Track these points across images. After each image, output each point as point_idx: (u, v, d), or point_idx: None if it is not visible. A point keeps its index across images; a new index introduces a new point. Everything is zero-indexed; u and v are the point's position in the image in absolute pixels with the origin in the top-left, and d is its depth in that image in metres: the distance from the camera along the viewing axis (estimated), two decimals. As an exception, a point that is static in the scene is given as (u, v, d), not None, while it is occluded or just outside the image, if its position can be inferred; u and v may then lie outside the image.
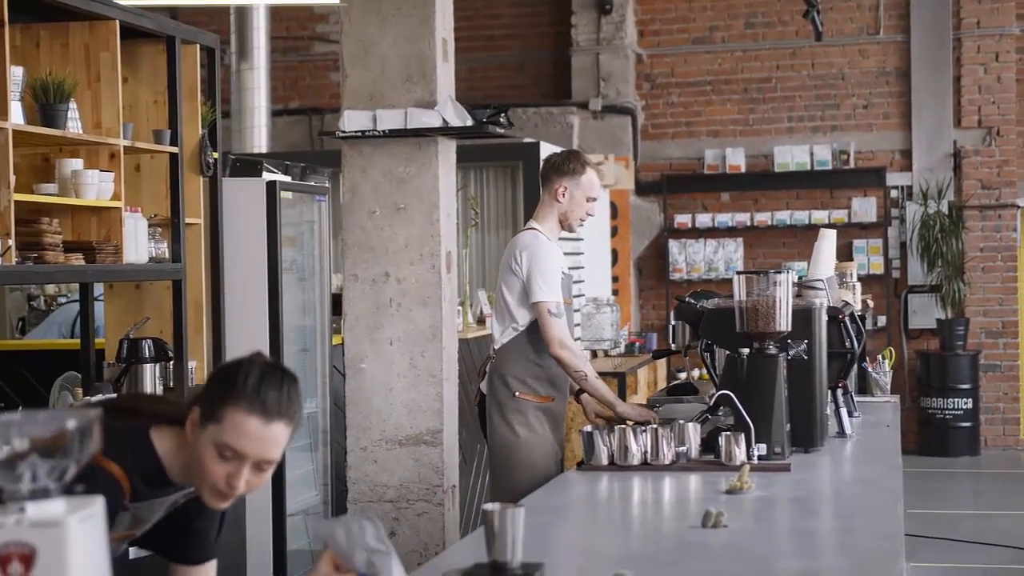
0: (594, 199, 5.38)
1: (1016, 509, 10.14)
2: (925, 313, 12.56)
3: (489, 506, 2.73)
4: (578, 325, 9.82)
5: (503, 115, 6.12)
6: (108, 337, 5.82)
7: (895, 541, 3.10)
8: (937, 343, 12.47)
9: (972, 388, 12.27)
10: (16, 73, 4.75)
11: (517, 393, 5.22)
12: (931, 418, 12.29)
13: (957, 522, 9.48)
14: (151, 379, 5.51)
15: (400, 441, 5.69)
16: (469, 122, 5.81)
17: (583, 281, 10.56)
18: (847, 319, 5.07)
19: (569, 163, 5.35)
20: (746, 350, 4.39)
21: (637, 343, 11.31)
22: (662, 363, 11.44)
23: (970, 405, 12.24)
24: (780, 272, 4.42)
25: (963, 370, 12.25)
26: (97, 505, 1.82)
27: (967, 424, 12.25)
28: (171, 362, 5.66)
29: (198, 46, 5.95)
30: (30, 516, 1.76)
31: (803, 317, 4.53)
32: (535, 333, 5.19)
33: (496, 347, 5.34)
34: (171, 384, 5.70)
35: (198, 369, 5.92)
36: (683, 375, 12.27)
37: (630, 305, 12.67)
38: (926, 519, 9.31)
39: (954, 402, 12.21)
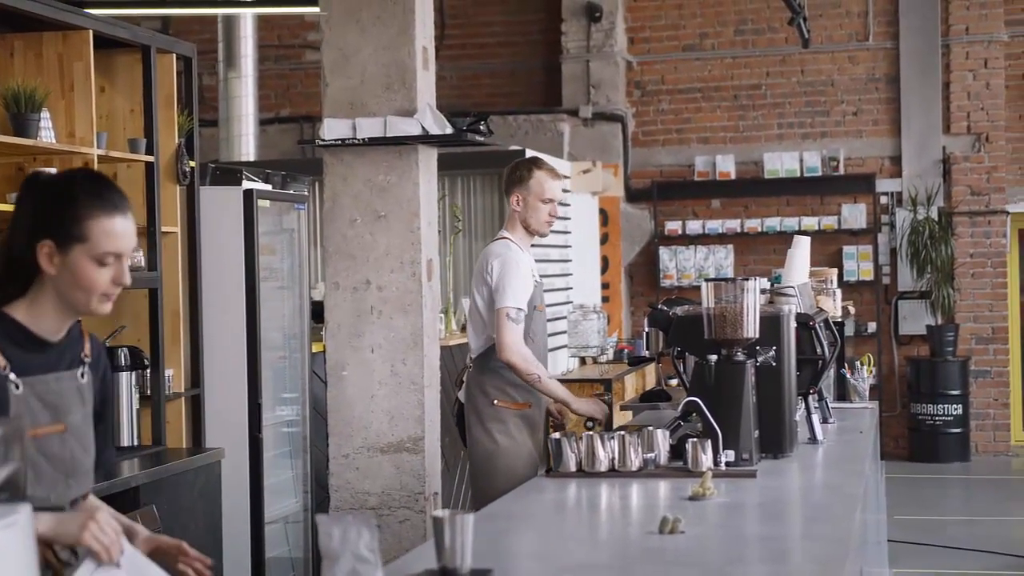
0: (550, 200, 5.46)
1: (1006, 515, 10.14)
2: (915, 319, 12.57)
3: (438, 513, 2.75)
4: (563, 333, 9.84)
5: (483, 123, 6.14)
6: (85, 346, 5.82)
7: (847, 546, 3.11)
8: (927, 349, 12.48)
9: (962, 394, 12.27)
10: (-12, 82, 4.77)
11: (496, 401, 5.31)
12: (921, 424, 12.29)
13: (947, 528, 9.48)
14: (127, 387, 5.52)
15: (382, 448, 5.70)
16: (448, 130, 5.83)
17: (572, 288, 10.58)
18: (819, 325, 5.07)
19: (516, 171, 5.51)
20: (714, 357, 4.40)
21: (627, 350, 11.32)
22: (651, 369, 11.46)
23: (960, 411, 12.24)
24: (748, 279, 4.43)
25: (953, 376, 12.25)
26: (22, 513, 1.83)
27: (957, 430, 12.25)
28: (147, 370, 5.67)
29: (174, 55, 5.96)
30: (-48, 523, 1.77)
31: (772, 324, 4.54)
32: None
33: (473, 356, 5.42)
34: (148, 392, 5.71)
35: (175, 377, 5.93)
36: (674, 382, 12.29)
37: (621, 312, 12.68)
38: (915, 525, 9.31)
39: (944, 408, 12.21)
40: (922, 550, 8.64)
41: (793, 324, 4.69)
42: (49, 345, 2.75)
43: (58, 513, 2.60)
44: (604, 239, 12.44)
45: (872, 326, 12.55)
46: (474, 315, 5.42)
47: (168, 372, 5.77)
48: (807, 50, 12.12)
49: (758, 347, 4.47)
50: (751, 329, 4.39)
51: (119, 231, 2.70)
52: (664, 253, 12.94)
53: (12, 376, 2.66)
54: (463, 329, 8.27)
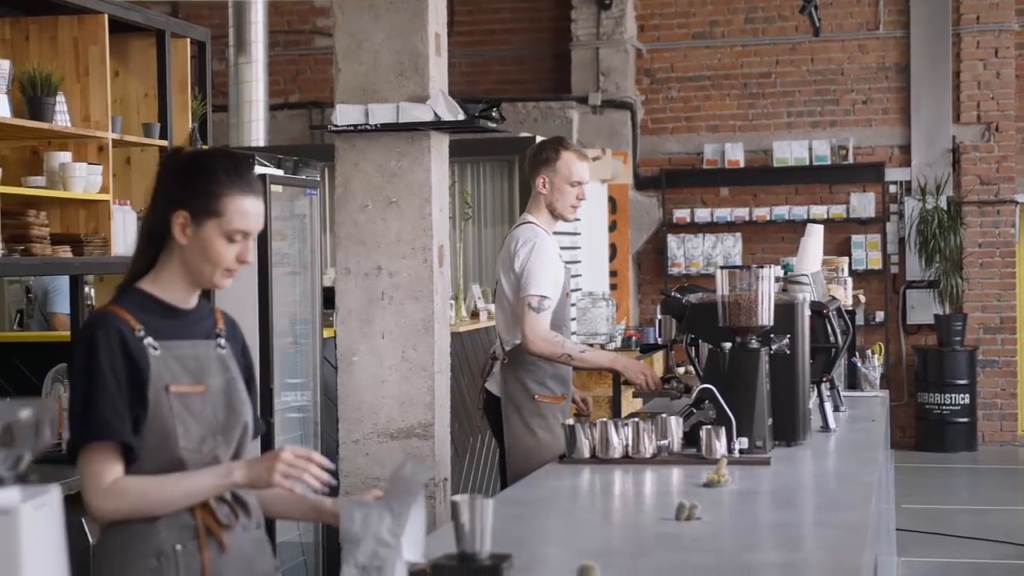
0: (578, 183, 5.27)
1: (1012, 504, 10.15)
2: (923, 308, 12.57)
3: (457, 498, 2.75)
4: (574, 319, 9.84)
5: (495, 109, 6.13)
6: (98, 330, 5.83)
7: (863, 534, 3.11)
8: (935, 338, 12.47)
9: (970, 383, 12.27)
10: (3, 66, 4.77)
11: (537, 396, 5.18)
12: (928, 413, 12.29)
13: (953, 517, 9.48)
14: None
15: (392, 434, 5.70)
16: (461, 116, 5.82)
17: (580, 275, 10.58)
18: (832, 314, 5.07)
19: (542, 152, 5.31)
20: (728, 344, 4.40)
21: (635, 337, 11.32)
22: (659, 357, 11.46)
23: (967, 400, 12.24)
24: (763, 267, 4.43)
25: (961, 365, 12.25)
26: (52, 493, 1.84)
27: (964, 419, 12.26)
28: (161, 354, 5.67)
29: (188, 40, 5.97)
30: (-17, 504, 1.78)
31: (786, 312, 4.54)
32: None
33: (507, 348, 5.26)
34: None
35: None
36: (681, 370, 12.29)
37: (629, 300, 12.68)
38: (922, 514, 9.32)
39: (951, 397, 12.21)
40: (929, 539, 8.65)
41: (807, 312, 4.69)
42: (180, 313, 2.88)
43: (247, 461, 2.80)
44: (612, 227, 12.44)
45: (880, 315, 12.55)
46: (503, 304, 5.28)
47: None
48: (817, 39, 12.10)
49: (772, 335, 4.47)
50: (766, 317, 4.39)
51: (251, 211, 2.83)
52: (672, 241, 12.94)
53: (149, 340, 2.79)
54: (473, 316, 8.28)
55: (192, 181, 2.83)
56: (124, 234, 5.36)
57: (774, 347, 4.47)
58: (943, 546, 8.51)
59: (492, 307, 8.34)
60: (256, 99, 10.12)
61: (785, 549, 3.12)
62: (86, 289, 6.23)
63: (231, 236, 2.81)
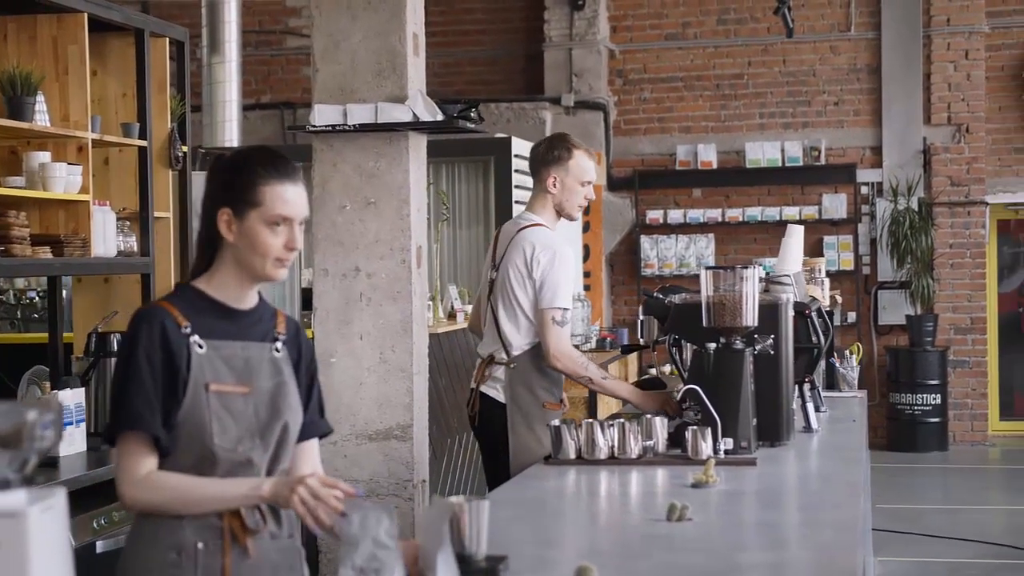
0: (588, 182, 5.11)
1: (984, 504, 10.22)
2: (894, 309, 12.63)
3: (454, 499, 2.75)
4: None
5: (474, 110, 6.13)
6: (76, 331, 5.80)
7: (854, 533, 3.12)
8: (906, 339, 12.54)
9: (941, 384, 12.34)
10: (-18, 66, 4.74)
11: (545, 404, 5.04)
12: (900, 413, 12.36)
13: (925, 517, 9.53)
14: (120, 373, 5.48)
15: (370, 436, 5.69)
16: (439, 117, 5.81)
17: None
18: (814, 314, 5.09)
19: (553, 151, 5.11)
20: (713, 345, 4.41)
21: (609, 338, 11.33)
22: (633, 358, 11.48)
23: (939, 401, 12.31)
24: (747, 267, 4.43)
25: (932, 366, 12.32)
26: (58, 497, 1.82)
27: (936, 419, 12.33)
28: (139, 356, 5.63)
29: (167, 39, 5.93)
30: (-10, 507, 1.76)
31: (770, 312, 4.54)
32: None
33: (515, 352, 5.05)
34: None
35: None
36: (652, 370, 12.32)
37: (602, 300, 12.70)
38: (894, 514, 9.36)
39: (923, 398, 12.28)
40: (901, 538, 8.69)
41: (791, 312, 4.70)
42: (236, 313, 2.92)
43: (277, 479, 2.82)
44: (585, 228, 12.45)
45: (852, 316, 12.61)
46: (510, 309, 5.05)
47: (160, 358, 5.73)
48: (789, 40, 12.15)
49: (756, 335, 4.48)
50: (750, 317, 4.40)
51: (290, 196, 2.88)
52: (645, 242, 12.96)
53: (195, 338, 2.83)
54: (450, 317, 8.27)
55: (231, 178, 2.90)
56: (104, 235, 5.32)
57: (758, 348, 4.48)
58: (915, 545, 8.56)
59: (468, 308, 8.34)
60: (230, 99, 10.05)
61: (778, 549, 3.13)
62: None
63: (273, 223, 2.85)
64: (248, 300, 2.95)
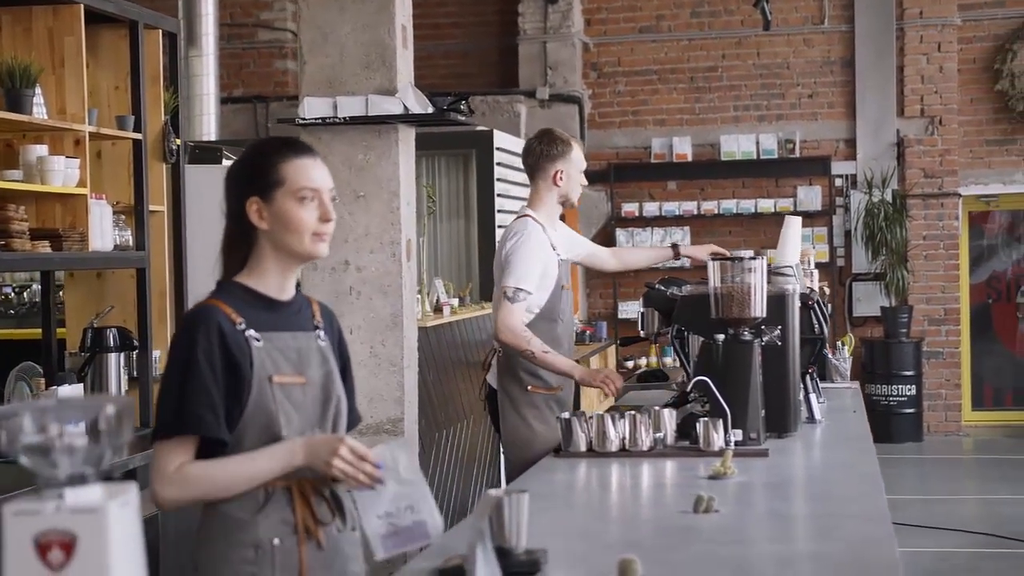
0: (583, 169, 5.44)
1: (959, 494, 10.29)
2: (869, 301, 12.69)
3: (494, 492, 2.73)
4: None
5: (464, 102, 6.11)
6: (70, 326, 5.74)
7: (886, 524, 3.13)
8: (881, 330, 12.60)
9: (915, 375, 12.41)
10: (-23, 58, 4.67)
11: (529, 387, 5.16)
12: (875, 404, 12.40)
13: (901, 507, 9.57)
14: (115, 368, 5.44)
15: (360, 430, 5.62)
16: (430, 109, 5.79)
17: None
18: (816, 305, 5.10)
19: (555, 146, 5.30)
20: (721, 336, 4.41)
21: (588, 331, 11.35)
22: (611, 351, 11.49)
23: (913, 392, 12.38)
24: (755, 258, 4.43)
25: (906, 357, 12.39)
26: (132, 492, 1.80)
27: (910, 410, 12.40)
28: (135, 351, 5.59)
29: (160, 31, 5.87)
30: (69, 503, 1.74)
31: (777, 303, 4.55)
32: (542, 323, 5.12)
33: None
34: (135, 374, 5.63)
35: (163, 358, 5.85)
36: (630, 363, 12.33)
37: (578, 294, 12.69)
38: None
39: (898, 389, 12.35)
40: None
41: (797, 303, 4.72)
42: (278, 304, 2.90)
43: (305, 442, 2.77)
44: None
45: (828, 307, 12.63)
46: (496, 297, 5.25)
47: (155, 353, 5.69)
48: (763, 33, 12.16)
49: (763, 326, 4.48)
50: (758, 308, 4.40)
51: (311, 168, 2.87)
52: (621, 235, 12.96)
53: (251, 332, 2.82)
54: (437, 310, 8.23)
55: (251, 168, 2.90)
56: (101, 229, 5.26)
57: (765, 339, 4.48)
58: (897, 535, 8.57)
59: (455, 302, 8.33)
60: (208, 92, 10.00)
61: (814, 540, 3.13)
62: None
63: (302, 198, 2.84)
64: (288, 290, 2.94)
